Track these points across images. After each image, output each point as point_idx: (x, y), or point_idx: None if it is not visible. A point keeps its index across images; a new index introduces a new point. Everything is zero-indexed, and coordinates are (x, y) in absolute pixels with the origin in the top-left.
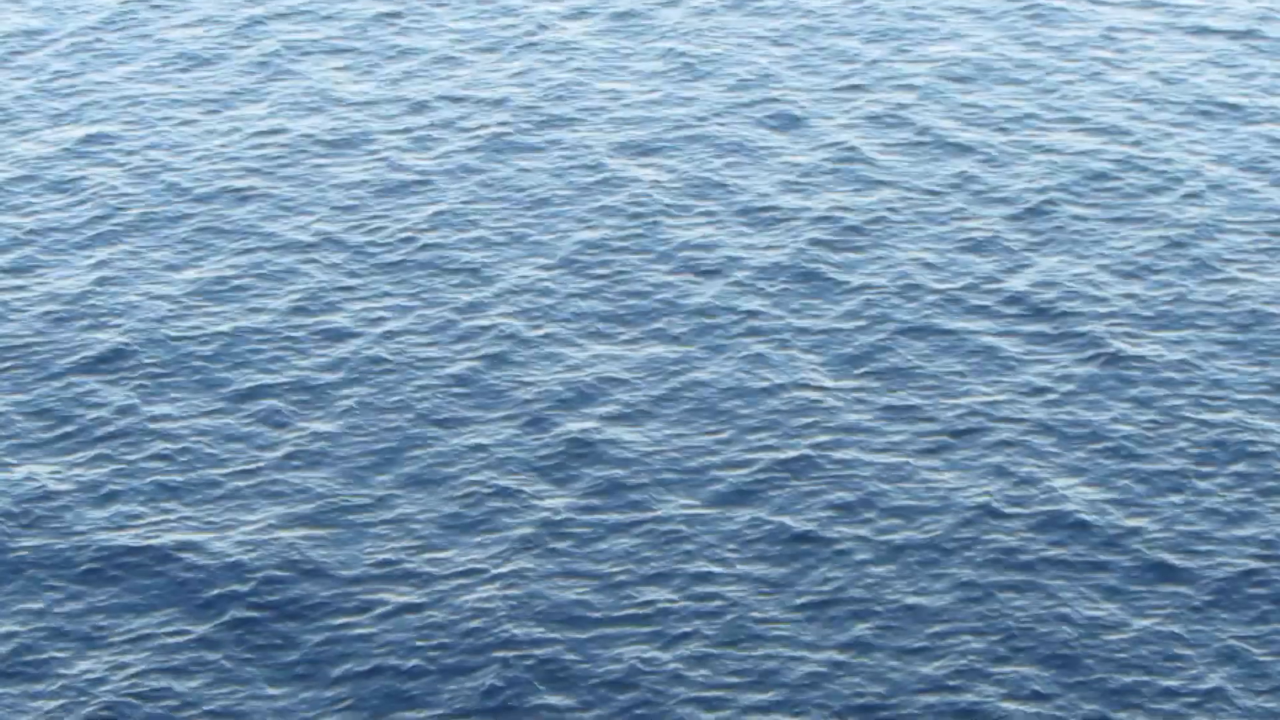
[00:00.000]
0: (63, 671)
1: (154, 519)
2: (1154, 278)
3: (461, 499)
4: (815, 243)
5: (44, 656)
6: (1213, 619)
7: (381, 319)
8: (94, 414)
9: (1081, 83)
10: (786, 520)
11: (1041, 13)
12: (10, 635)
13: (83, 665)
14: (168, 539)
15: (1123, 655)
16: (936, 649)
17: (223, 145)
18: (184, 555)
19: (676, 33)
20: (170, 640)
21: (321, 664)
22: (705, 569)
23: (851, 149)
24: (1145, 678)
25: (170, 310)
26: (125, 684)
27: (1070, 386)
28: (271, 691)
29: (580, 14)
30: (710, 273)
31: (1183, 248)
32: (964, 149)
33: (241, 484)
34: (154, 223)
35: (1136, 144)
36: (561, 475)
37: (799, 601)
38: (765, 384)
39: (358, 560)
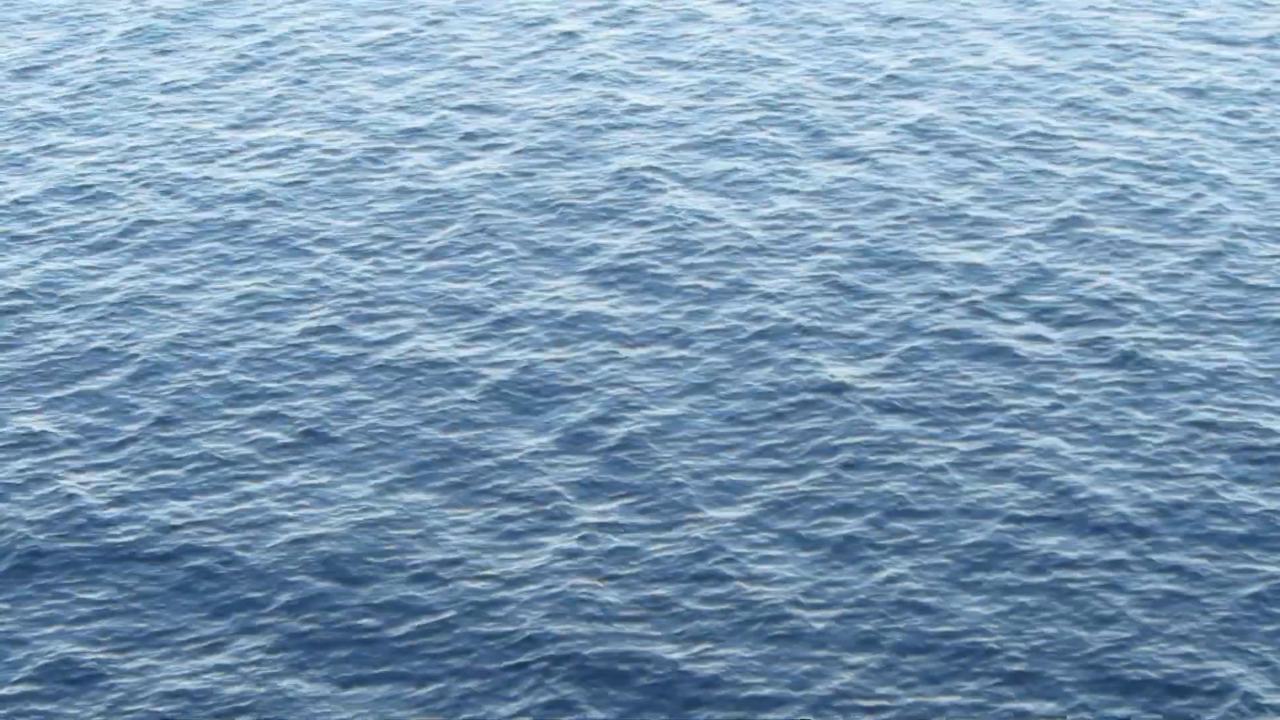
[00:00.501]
0: (99, 682)
1: (189, 530)
2: (1183, 287)
3: (497, 509)
4: (846, 253)
5: (80, 663)
6: (1247, 628)
7: (412, 331)
8: (127, 425)
9: (1106, 96)
10: (823, 529)
11: (1065, 26)
12: (49, 646)
13: (119, 676)
14: (202, 550)
15: (1159, 663)
16: (972, 656)
17: (251, 159)
18: (218, 565)
19: (701, 48)
20: (208, 650)
21: (360, 673)
22: (743, 577)
23: (878, 161)
24: (1179, 684)
25: (200, 322)
26: (159, 692)
27: (1101, 396)
28: (309, 702)
29: (607, 25)
30: (741, 283)
31: (1212, 258)
32: (991, 161)
33: (277, 494)
34: (182, 236)
35: (1162, 156)
36: (598, 485)
37: (837, 609)
38: (799, 393)
39: (394, 571)
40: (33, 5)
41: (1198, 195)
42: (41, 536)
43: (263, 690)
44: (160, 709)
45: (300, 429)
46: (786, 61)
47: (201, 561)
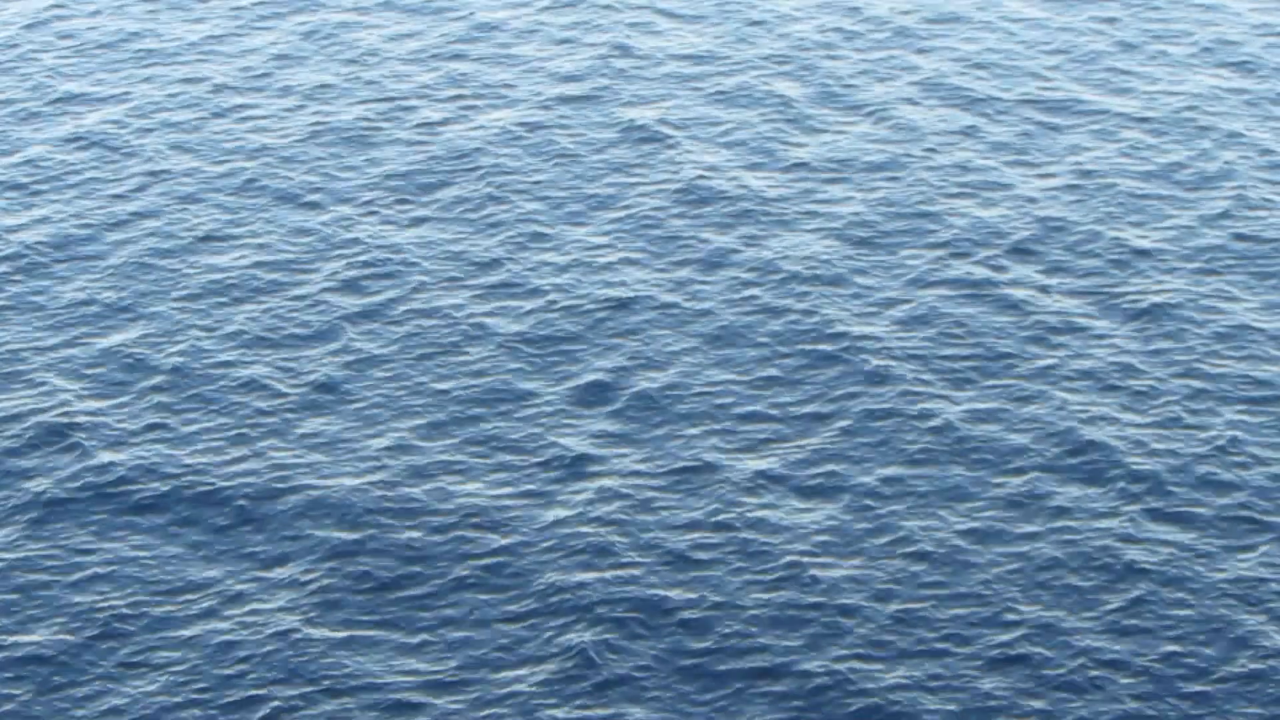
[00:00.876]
0: (116, 633)
1: (206, 484)
2: (1194, 243)
3: (512, 464)
4: (858, 207)
5: (97, 615)
6: (1262, 581)
7: (424, 286)
8: (142, 380)
9: (1115, 50)
10: (837, 482)
11: None
12: (67, 597)
13: (137, 627)
14: (219, 503)
15: (1173, 615)
16: (987, 608)
17: (261, 114)
18: (235, 519)
19: (712, 1)
20: (227, 602)
21: (379, 625)
22: (758, 530)
23: (889, 115)
24: (1194, 637)
25: (213, 277)
26: (176, 641)
27: (1114, 350)
28: (325, 652)
29: None
30: (753, 237)
31: (1222, 213)
32: (1001, 116)
33: (293, 448)
34: (193, 191)
35: (1173, 110)
36: (613, 439)
37: (850, 561)
38: (812, 348)
39: (411, 525)
40: None
41: (1208, 150)
42: (59, 490)
43: (280, 643)
44: (178, 661)
45: (315, 384)
46: (797, 16)
47: (218, 514)
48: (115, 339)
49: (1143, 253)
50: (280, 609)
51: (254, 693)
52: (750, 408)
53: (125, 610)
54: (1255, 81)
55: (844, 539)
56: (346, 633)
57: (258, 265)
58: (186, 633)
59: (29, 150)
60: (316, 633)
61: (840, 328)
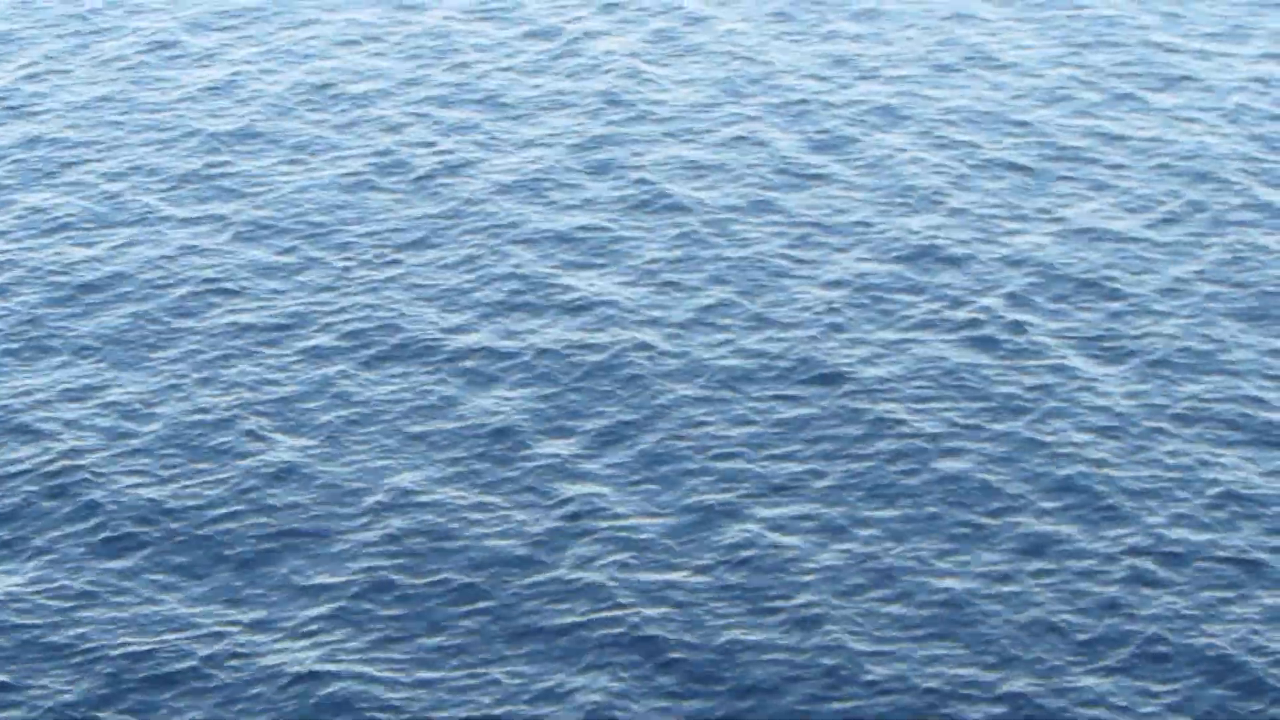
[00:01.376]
0: (129, 670)
1: (220, 523)
2: (1199, 288)
3: (529, 505)
4: (864, 254)
5: (111, 650)
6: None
7: (429, 338)
8: (152, 426)
9: (1117, 103)
10: (853, 527)
11: (1073, 30)
12: (79, 641)
13: (148, 664)
14: (232, 542)
15: (1195, 662)
16: (996, 655)
17: (261, 168)
18: (251, 558)
19: (713, 49)
20: (245, 650)
21: (399, 672)
22: (773, 571)
23: (892, 163)
24: (1217, 676)
25: (218, 325)
26: (195, 689)
27: (1118, 396)
28: (338, 688)
29: (617, 30)
30: (762, 284)
31: (1224, 259)
32: (1002, 163)
33: (308, 496)
34: (199, 243)
35: (1176, 156)
36: (627, 486)
37: (863, 601)
38: (821, 393)
39: (427, 572)
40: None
41: (1203, 200)
42: (59, 541)
43: (282, 693)
44: (182, 710)
45: (315, 434)
46: (789, 68)
47: (220, 565)
48: (112, 391)
49: (1139, 300)
50: (283, 658)
51: None
52: (751, 455)
53: (126, 660)
54: (1248, 130)
55: (845, 586)
56: (349, 680)
57: (253, 316)
58: (190, 683)
59: (20, 204)
60: (319, 681)
61: (839, 375)
